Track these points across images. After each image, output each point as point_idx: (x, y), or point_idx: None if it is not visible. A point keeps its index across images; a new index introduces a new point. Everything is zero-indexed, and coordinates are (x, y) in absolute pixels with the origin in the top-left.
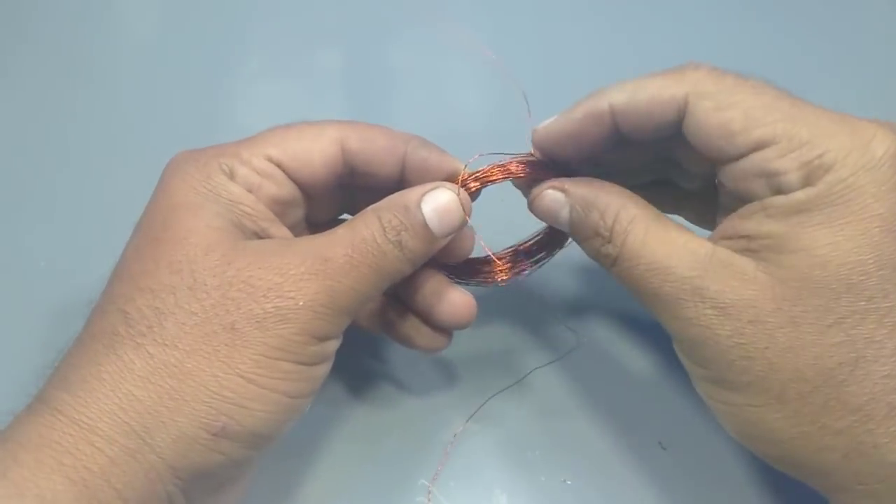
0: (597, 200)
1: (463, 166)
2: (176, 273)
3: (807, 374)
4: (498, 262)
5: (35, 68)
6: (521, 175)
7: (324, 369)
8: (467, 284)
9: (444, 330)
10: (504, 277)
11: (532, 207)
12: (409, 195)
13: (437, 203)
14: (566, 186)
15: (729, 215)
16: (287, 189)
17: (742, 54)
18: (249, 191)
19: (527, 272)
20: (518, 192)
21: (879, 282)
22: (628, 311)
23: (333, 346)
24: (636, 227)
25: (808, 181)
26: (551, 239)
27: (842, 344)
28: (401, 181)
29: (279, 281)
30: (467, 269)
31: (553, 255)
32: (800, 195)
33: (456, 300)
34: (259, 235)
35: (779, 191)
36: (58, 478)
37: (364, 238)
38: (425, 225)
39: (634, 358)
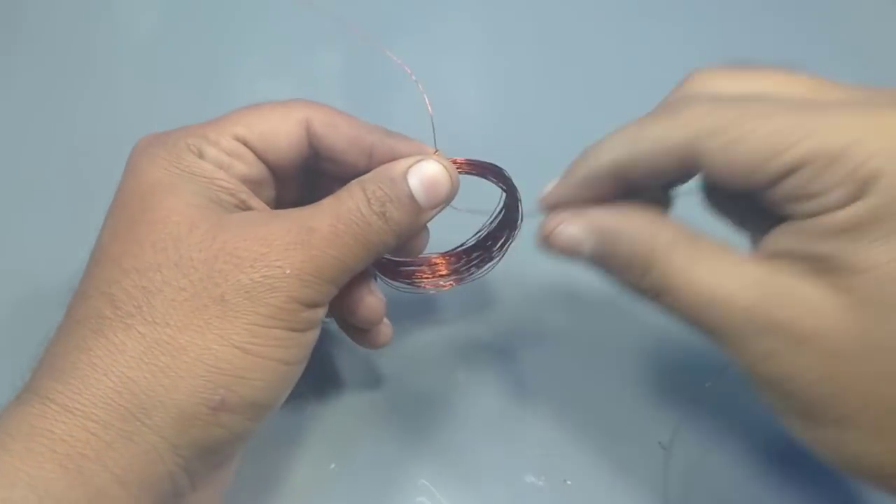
0: (623, 228)
1: (433, 151)
2: (161, 251)
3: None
4: (436, 263)
5: (35, 68)
6: (479, 173)
7: (313, 335)
8: (400, 287)
9: (361, 330)
10: (440, 283)
11: (545, 244)
12: (395, 167)
13: (424, 174)
14: (585, 217)
15: (774, 230)
16: (256, 169)
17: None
18: (220, 169)
19: (470, 276)
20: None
21: None
22: (628, 311)
23: (321, 313)
24: (676, 254)
25: (855, 195)
26: (499, 229)
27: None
28: (368, 170)
29: (265, 251)
30: (399, 270)
31: (502, 253)
32: (849, 212)
33: (369, 304)
34: (240, 207)
35: (824, 209)
36: (50, 465)
37: (349, 208)
38: (411, 196)
39: (635, 358)
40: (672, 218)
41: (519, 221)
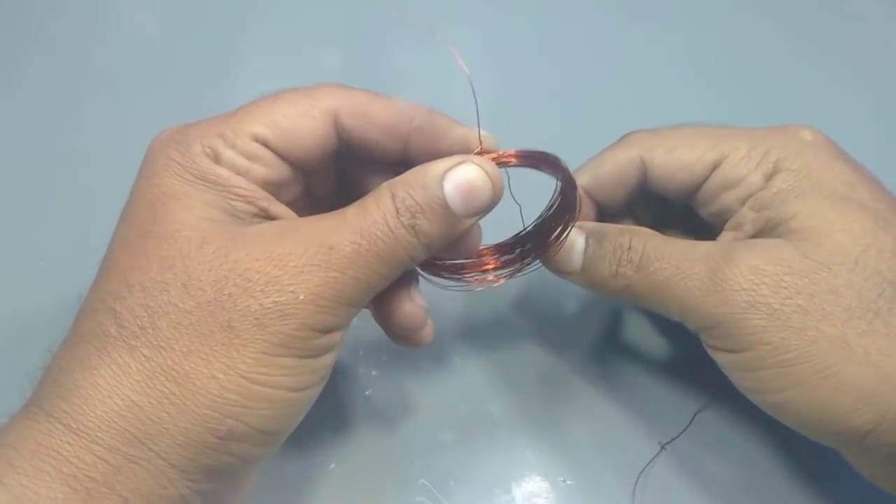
0: (610, 226)
1: (476, 146)
2: (168, 269)
3: (857, 311)
4: (483, 255)
5: (35, 68)
6: (532, 165)
7: (330, 359)
8: (445, 285)
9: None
10: (489, 279)
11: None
12: (430, 171)
13: (461, 180)
14: (579, 224)
15: (719, 237)
16: (278, 170)
17: (736, 61)
18: (238, 174)
19: (526, 268)
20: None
21: (875, 222)
22: (627, 312)
23: (339, 336)
24: (654, 238)
25: (769, 175)
26: (554, 219)
27: (873, 274)
28: (405, 158)
29: (277, 274)
30: (445, 266)
31: (560, 244)
32: (775, 183)
33: (408, 312)
34: (260, 216)
35: (752, 190)
36: (58, 486)
37: (374, 221)
38: (445, 205)
39: (634, 358)
40: None
41: (577, 209)
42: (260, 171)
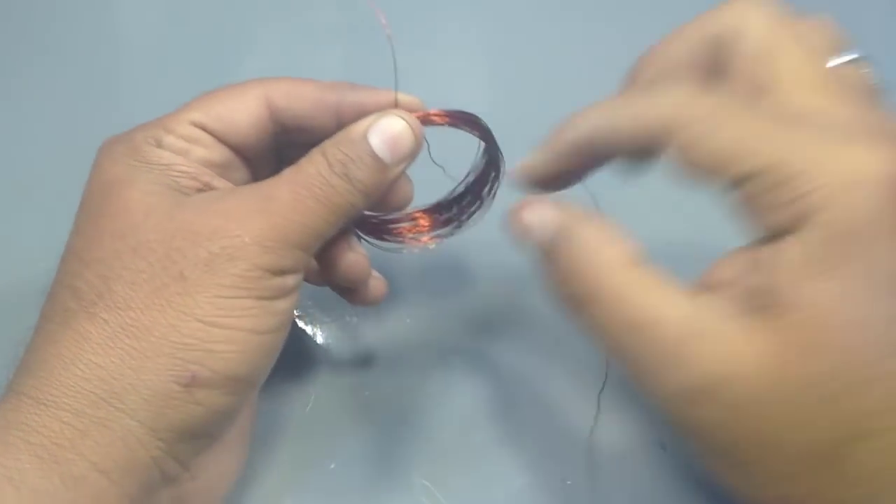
0: (578, 233)
1: (400, 96)
2: (119, 239)
3: (821, 448)
4: (417, 217)
5: (35, 68)
6: (453, 124)
7: (287, 303)
8: (383, 246)
9: (347, 289)
10: (424, 240)
11: (511, 216)
12: (354, 128)
13: (385, 131)
14: (554, 207)
15: (724, 256)
16: (218, 152)
17: None
18: (179, 155)
19: (453, 229)
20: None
21: (887, 338)
22: None
23: (293, 280)
24: (615, 274)
25: (797, 222)
26: (482, 179)
27: (852, 412)
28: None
29: (222, 223)
30: (382, 228)
31: (486, 202)
32: (793, 241)
33: (349, 260)
34: (203, 190)
35: (768, 229)
36: (25, 456)
37: (309, 174)
38: (374, 155)
39: None
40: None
41: (501, 169)
42: (200, 151)
